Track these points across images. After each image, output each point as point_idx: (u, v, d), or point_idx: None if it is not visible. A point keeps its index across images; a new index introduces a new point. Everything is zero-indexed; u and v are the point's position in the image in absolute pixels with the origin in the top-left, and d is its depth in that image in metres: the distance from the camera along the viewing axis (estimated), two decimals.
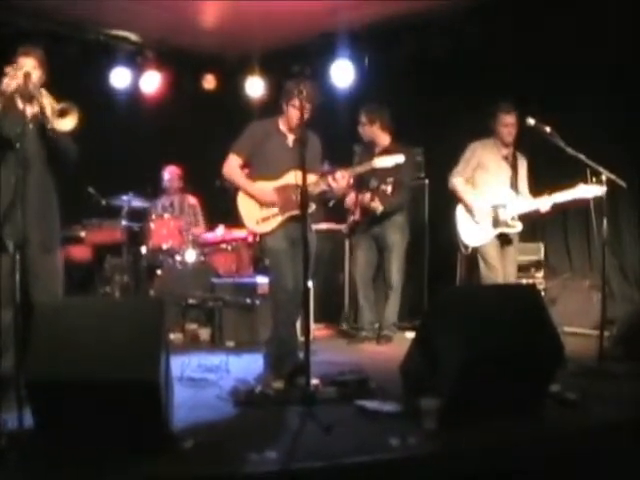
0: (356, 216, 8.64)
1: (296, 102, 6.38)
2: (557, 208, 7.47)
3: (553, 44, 8.76)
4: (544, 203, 7.40)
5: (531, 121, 7.26)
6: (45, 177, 5.58)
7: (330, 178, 6.47)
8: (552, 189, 7.37)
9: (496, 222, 7.60)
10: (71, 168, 5.65)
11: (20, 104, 5.04)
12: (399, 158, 7.03)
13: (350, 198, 8.52)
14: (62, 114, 5.18)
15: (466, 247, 7.73)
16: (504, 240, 7.71)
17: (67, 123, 5.20)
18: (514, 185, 7.73)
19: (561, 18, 8.53)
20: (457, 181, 7.83)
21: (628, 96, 8.48)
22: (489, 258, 7.65)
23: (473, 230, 7.70)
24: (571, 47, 8.67)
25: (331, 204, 8.04)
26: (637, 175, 7.83)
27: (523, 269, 8.79)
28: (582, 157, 6.75)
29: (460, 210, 7.82)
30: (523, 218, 7.60)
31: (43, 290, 5.40)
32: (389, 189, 8.16)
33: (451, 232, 7.88)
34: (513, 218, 7.57)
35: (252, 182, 6.59)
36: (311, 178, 6.28)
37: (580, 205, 7.23)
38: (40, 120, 5.23)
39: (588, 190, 6.89)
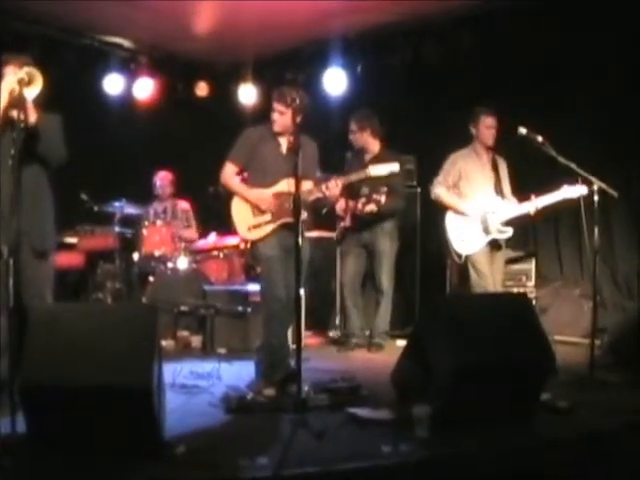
0: (346, 223, 8.66)
1: (277, 107, 6.44)
2: (548, 214, 7.46)
3: (548, 51, 8.79)
4: (532, 206, 7.41)
5: (523, 130, 7.24)
6: (38, 182, 5.58)
7: (324, 187, 6.48)
8: (540, 193, 7.38)
9: (487, 229, 7.60)
10: (53, 166, 5.62)
11: (14, 113, 5.02)
12: (394, 167, 7.01)
13: (340, 205, 8.53)
14: (28, 83, 5.16)
15: (459, 256, 7.69)
16: (494, 246, 7.71)
17: (32, 90, 5.18)
18: (499, 190, 7.75)
19: (556, 23, 8.55)
20: (440, 191, 7.84)
21: (621, 103, 8.51)
22: (480, 266, 7.62)
23: (465, 238, 7.68)
24: (567, 53, 8.70)
25: (324, 212, 8.04)
26: (628, 183, 7.85)
27: (514, 277, 8.82)
28: (573, 166, 6.76)
29: (450, 219, 7.77)
30: (512, 223, 7.60)
31: (34, 294, 5.38)
32: (383, 199, 8.13)
33: (441, 241, 7.87)
34: (503, 224, 7.57)
35: (248, 188, 6.60)
36: (306, 185, 6.29)
37: (571, 213, 7.25)
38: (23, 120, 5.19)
39: (573, 190, 6.93)
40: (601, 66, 8.54)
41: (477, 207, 7.65)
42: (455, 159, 7.86)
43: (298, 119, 6.03)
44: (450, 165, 7.86)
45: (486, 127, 7.70)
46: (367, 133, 8.57)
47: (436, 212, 8.08)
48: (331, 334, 9.41)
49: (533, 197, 7.39)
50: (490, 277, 7.62)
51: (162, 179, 10.21)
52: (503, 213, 7.59)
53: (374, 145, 8.61)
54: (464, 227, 7.70)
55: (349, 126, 8.62)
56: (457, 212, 7.72)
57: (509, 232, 7.63)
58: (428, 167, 9.46)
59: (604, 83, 8.59)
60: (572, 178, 6.89)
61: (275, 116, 6.53)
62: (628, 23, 8.12)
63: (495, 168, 7.82)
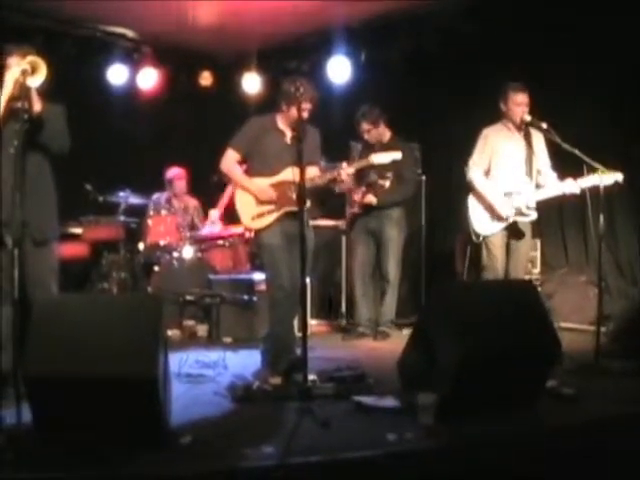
0: (355, 209, 8.66)
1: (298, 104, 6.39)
2: (553, 201, 7.41)
3: (551, 40, 8.76)
4: (571, 187, 7.10)
5: (527, 117, 7.25)
6: (41, 172, 5.59)
7: (338, 169, 6.54)
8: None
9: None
10: (55, 155, 5.64)
11: (18, 104, 5.02)
12: (397, 155, 7.07)
13: (356, 193, 8.54)
14: (32, 72, 5.16)
15: (477, 236, 7.55)
16: (515, 234, 7.53)
17: (36, 79, 5.18)
18: (529, 166, 7.50)
19: (558, 13, 8.52)
20: (474, 176, 7.61)
21: (623, 91, 8.50)
22: (492, 247, 7.48)
23: (485, 218, 7.53)
24: (569, 43, 8.68)
25: (337, 189, 8.06)
26: (633, 170, 7.81)
27: None
28: (578, 153, 6.74)
29: (472, 198, 7.63)
30: (545, 204, 7.51)
31: (37, 284, 5.40)
32: (387, 184, 8.18)
33: (452, 224, 7.79)
34: (528, 207, 7.39)
35: (249, 178, 6.61)
36: (311, 171, 6.33)
37: (576, 200, 7.23)
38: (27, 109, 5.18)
39: (607, 177, 6.76)
40: (604, 52, 8.50)
41: (500, 190, 7.46)
42: (487, 133, 7.62)
43: (305, 111, 6.05)
44: (482, 140, 7.62)
45: (516, 104, 7.39)
46: (382, 126, 8.56)
47: (443, 199, 8.04)
48: (338, 323, 9.41)
49: (569, 179, 7.15)
50: (501, 260, 7.48)
51: (179, 178, 10.10)
52: (529, 195, 7.39)
53: (386, 134, 8.61)
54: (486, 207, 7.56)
55: (360, 127, 8.53)
56: (484, 204, 7.57)
57: (533, 215, 7.47)
58: (432, 155, 9.49)
59: (607, 70, 8.56)
60: (579, 165, 6.86)
61: (293, 111, 6.45)
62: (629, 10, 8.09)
63: (529, 142, 7.53)
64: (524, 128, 7.53)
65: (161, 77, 11.05)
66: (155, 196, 10.09)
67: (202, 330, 8.62)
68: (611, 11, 8.22)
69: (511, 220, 7.44)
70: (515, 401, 4.97)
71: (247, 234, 9.12)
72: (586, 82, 8.73)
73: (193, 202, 10.26)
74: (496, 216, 7.47)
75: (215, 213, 9.80)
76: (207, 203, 10.21)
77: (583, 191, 6.96)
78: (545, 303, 6.49)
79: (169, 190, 10.13)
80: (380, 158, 7.10)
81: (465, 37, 9.26)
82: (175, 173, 10.15)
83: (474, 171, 7.62)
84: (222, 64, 11.65)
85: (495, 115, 7.58)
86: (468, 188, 7.68)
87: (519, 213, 7.41)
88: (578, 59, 8.73)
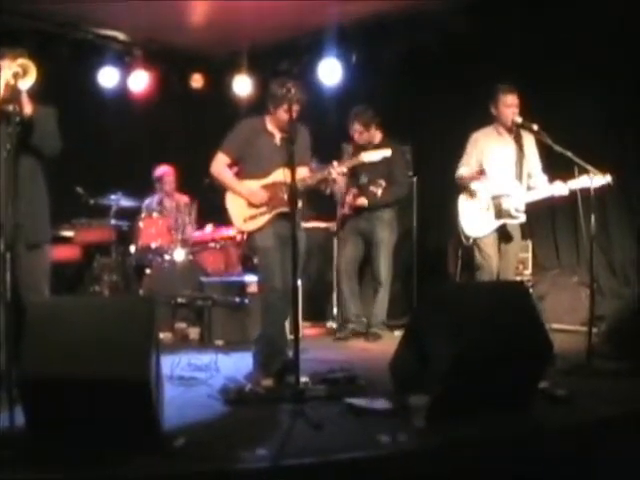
0: (345, 210, 8.69)
1: (285, 106, 6.37)
2: (544, 202, 7.44)
3: (545, 40, 8.76)
4: (560, 189, 7.10)
5: (518, 119, 7.26)
6: (33, 175, 5.58)
7: (329, 168, 6.53)
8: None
9: (499, 213, 7.45)
10: (47, 157, 5.64)
11: (10, 106, 5.02)
12: (386, 152, 7.08)
13: (348, 195, 8.57)
14: (22, 75, 5.16)
15: (467, 238, 7.58)
16: (503, 236, 7.56)
17: (26, 82, 5.18)
18: (519, 170, 7.50)
19: (558, 14, 8.53)
20: (462, 171, 7.64)
21: (624, 90, 8.51)
22: (485, 247, 7.49)
23: (475, 221, 7.55)
24: (564, 42, 8.68)
25: (328, 191, 8.10)
26: (624, 172, 7.83)
27: None
28: (569, 154, 6.74)
29: (462, 201, 7.66)
30: (534, 207, 7.53)
31: (30, 287, 5.38)
32: (379, 192, 8.22)
33: (445, 227, 7.80)
34: (517, 209, 7.39)
35: (240, 181, 6.61)
36: (301, 172, 6.34)
37: (568, 202, 7.23)
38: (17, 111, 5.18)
39: (595, 179, 6.73)
40: (600, 52, 8.50)
41: (489, 192, 7.50)
42: (477, 137, 7.65)
43: (294, 111, 6.05)
44: (472, 145, 7.66)
45: (506, 106, 7.39)
46: (373, 129, 8.58)
47: (435, 201, 8.04)
48: (328, 325, 9.42)
49: (558, 182, 7.14)
50: (495, 259, 7.49)
51: (168, 175, 10.15)
52: (519, 198, 7.39)
53: (377, 136, 8.64)
54: (476, 210, 7.56)
55: (352, 126, 8.57)
56: (469, 193, 7.61)
57: (522, 218, 7.48)
58: (424, 157, 9.49)
59: (602, 71, 8.56)
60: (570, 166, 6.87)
61: (281, 114, 6.46)
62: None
63: (520, 145, 7.53)
64: (515, 130, 7.54)
65: (152, 79, 11.05)
66: (147, 201, 10.09)
67: (194, 333, 8.61)
68: (611, 11, 8.21)
69: (483, 200, 7.50)
70: (507, 402, 4.97)
71: (238, 236, 9.11)
72: (586, 82, 8.72)
73: (184, 199, 10.23)
74: (480, 204, 7.52)
75: (210, 228, 9.84)
76: (198, 205, 10.20)
77: (574, 193, 6.96)
78: (537, 304, 6.54)
79: (159, 190, 10.15)
80: (370, 156, 7.11)
81: (460, 38, 9.24)
82: (164, 171, 10.18)
83: (463, 169, 7.65)
84: (213, 66, 11.64)
85: (489, 117, 7.59)
86: (458, 187, 7.70)
87: (508, 215, 7.43)
88: (578, 59, 8.71)
